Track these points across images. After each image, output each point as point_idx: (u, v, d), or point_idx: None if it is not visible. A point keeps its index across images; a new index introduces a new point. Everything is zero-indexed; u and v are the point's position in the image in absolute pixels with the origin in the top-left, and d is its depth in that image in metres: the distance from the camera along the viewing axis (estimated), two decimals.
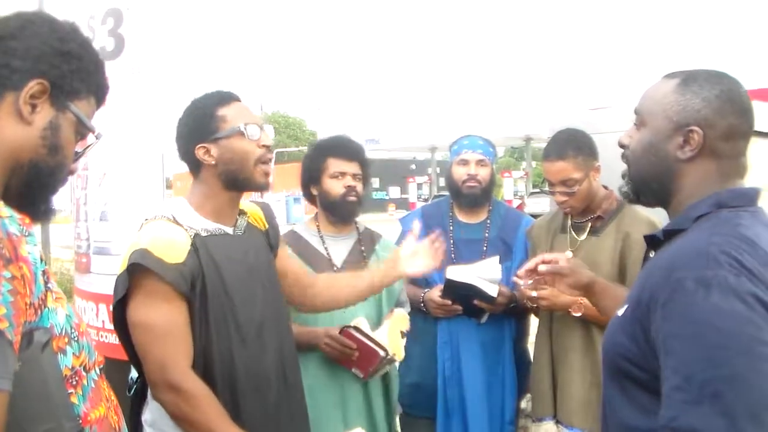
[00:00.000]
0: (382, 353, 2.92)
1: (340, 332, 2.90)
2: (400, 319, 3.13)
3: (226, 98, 2.37)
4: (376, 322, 3.10)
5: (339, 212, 3.16)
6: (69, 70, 1.41)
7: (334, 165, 3.10)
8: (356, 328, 2.93)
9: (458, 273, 3.21)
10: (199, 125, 2.33)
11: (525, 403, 3.35)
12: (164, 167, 3.52)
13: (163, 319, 2.13)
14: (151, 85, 3.45)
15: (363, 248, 3.27)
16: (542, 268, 2.29)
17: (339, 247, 3.21)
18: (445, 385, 3.37)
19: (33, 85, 1.35)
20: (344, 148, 3.18)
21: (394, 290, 3.26)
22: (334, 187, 3.10)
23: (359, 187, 3.16)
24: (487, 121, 35.87)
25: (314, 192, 3.19)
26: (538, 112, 33.78)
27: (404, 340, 3.09)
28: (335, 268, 3.14)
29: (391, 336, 3.03)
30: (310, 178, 3.18)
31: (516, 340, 3.44)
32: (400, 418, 3.66)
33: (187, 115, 2.38)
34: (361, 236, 3.31)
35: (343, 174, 3.11)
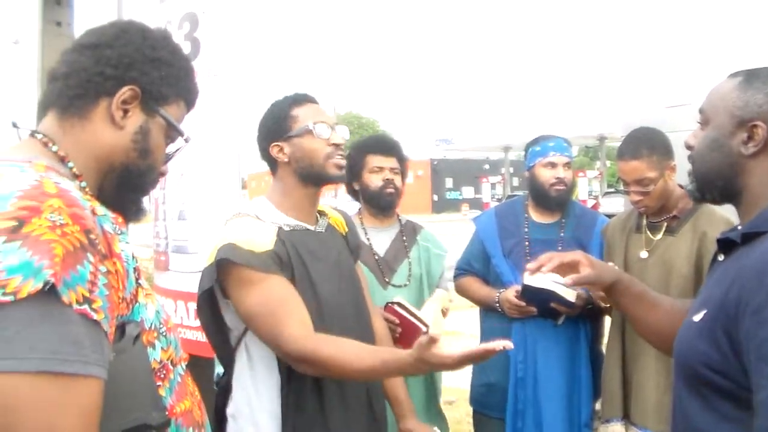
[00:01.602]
0: (424, 329, 2.99)
1: (384, 308, 3.01)
2: (441, 297, 3.28)
3: (301, 99, 2.46)
4: (417, 307, 3.23)
5: (378, 204, 3.41)
6: (159, 76, 1.47)
7: (373, 161, 3.36)
8: (399, 304, 3.04)
9: (536, 278, 3.20)
10: (274, 124, 2.43)
11: (599, 405, 3.32)
12: (240, 167, 3.57)
13: (258, 301, 2.18)
14: (226, 87, 3.51)
15: (405, 238, 3.49)
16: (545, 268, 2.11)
17: (381, 238, 3.43)
18: (516, 386, 3.36)
19: (125, 91, 1.42)
20: (382, 145, 3.45)
21: (434, 275, 3.49)
22: (373, 180, 3.36)
23: (397, 180, 3.41)
24: (560, 119, 35.58)
25: (356, 187, 3.43)
26: (612, 110, 33.28)
27: (445, 318, 3.27)
28: (376, 257, 3.35)
29: (433, 314, 3.13)
30: (352, 175, 3.39)
31: (591, 341, 3.42)
32: (473, 418, 3.68)
33: (266, 116, 2.48)
34: (403, 228, 3.54)
35: (381, 168, 3.36)
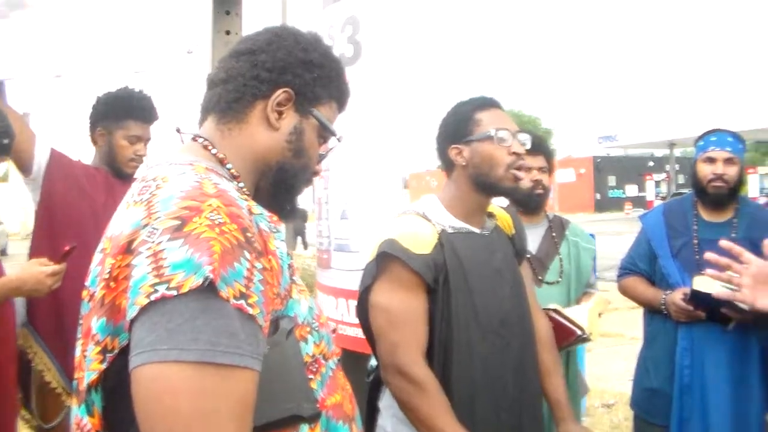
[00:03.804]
0: (578, 332, 3.01)
1: None
2: (601, 302, 3.27)
3: (486, 103, 2.46)
4: (565, 306, 3.23)
5: (528, 205, 3.38)
6: (311, 78, 1.51)
7: None
8: (555, 310, 3.02)
9: (706, 284, 3.07)
10: (455, 127, 2.44)
11: None
12: (401, 167, 3.62)
13: (402, 306, 2.23)
14: (387, 88, 3.56)
15: (554, 234, 3.47)
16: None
17: (532, 235, 3.33)
18: (682, 393, 3.24)
19: (279, 94, 1.48)
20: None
21: (584, 270, 3.45)
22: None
23: (545, 179, 3.39)
24: (729, 113, 33.62)
25: None
26: None
27: (600, 320, 3.25)
28: (528, 255, 3.26)
29: (591, 316, 3.12)
30: None
31: (765, 349, 3.22)
32: (633, 423, 3.58)
33: (448, 116, 2.49)
34: (551, 223, 3.51)
35: (528, 169, 3.27)
